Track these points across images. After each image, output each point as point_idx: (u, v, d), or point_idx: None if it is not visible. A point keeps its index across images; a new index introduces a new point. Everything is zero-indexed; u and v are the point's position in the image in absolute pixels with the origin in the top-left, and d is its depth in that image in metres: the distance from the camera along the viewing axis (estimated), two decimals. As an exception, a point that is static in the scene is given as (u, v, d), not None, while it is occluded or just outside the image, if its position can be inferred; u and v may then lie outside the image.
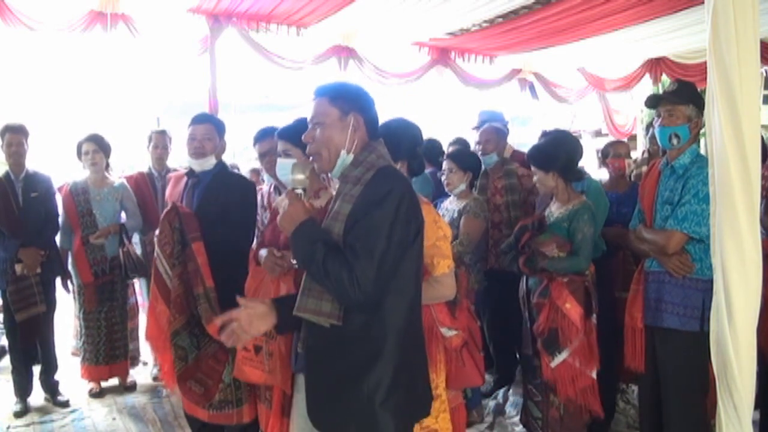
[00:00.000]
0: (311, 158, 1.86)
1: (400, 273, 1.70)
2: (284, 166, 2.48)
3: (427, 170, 4.21)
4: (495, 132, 4.04)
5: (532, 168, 3.12)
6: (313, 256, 1.67)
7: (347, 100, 1.81)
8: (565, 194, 3.03)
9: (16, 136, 3.83)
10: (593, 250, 3.32)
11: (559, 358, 2.86)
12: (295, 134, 2.46)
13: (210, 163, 3.01)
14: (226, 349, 2.74)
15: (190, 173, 3.05)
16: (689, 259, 2.58)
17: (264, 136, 3.06)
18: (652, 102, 2.80)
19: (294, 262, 1.83)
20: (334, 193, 1.96)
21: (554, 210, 3.07)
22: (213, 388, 2.80)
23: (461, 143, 4.78)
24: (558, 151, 3.01)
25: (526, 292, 3.15)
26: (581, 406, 2.92)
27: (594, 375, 2.91)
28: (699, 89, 2.72)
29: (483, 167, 3.93)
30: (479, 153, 3.98)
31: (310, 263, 1.69)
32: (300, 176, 1.86)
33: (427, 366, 1.92)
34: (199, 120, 3.05)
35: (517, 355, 3.86)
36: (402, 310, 1.73)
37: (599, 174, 4.83)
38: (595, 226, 2.98)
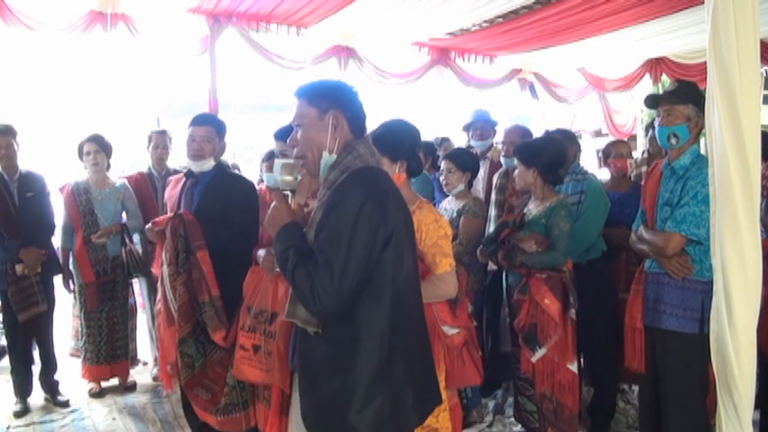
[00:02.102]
0: (300, 162, 1.82)
1: (373, 281, 1.64)
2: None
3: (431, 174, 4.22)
4: (522, 134, 3.99)
5: (516, 161, 3.16)
6: (286, 263, 1.66)
7: (324, 98, 1.76)
8: (542, 192, 3.09)
9: (4, 138, 3.80)
10: (592, 250, 3.34)
11: (540, 353, 2.91)
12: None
13: (208, 165, 3.00)
14: (231, 354, 2.74)
15: (189, 174, 3.05)
16: (689, 261, 2.57)
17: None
18: (651, 102, 2.79)
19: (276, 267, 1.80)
20: None
21: (532, 208, 3.13)
22: (219, 393, 2.81)
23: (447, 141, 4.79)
24: (543, 151, 3.08)
25: (506, 289, 3.19)
26: (561, 403, 2.96)
27: (574, 369, 2.95)
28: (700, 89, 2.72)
29: (504, 167, 3.92)
30: (502, 154, 3.94)
31: (284, 270, 1.68)
32: (288, 178, 1.83)
33: (430, 372, 1.87)
34: (198, 121, 3.03)
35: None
36: (377, 319, 1.66)
37: (600, 174, 4.83)
38: (571, 222, 3.04)
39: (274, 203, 1.76)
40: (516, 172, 3.17)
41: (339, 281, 1.57)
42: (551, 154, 3.06)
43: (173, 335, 2.80)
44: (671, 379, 2.65)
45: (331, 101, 1.76)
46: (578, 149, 3.67)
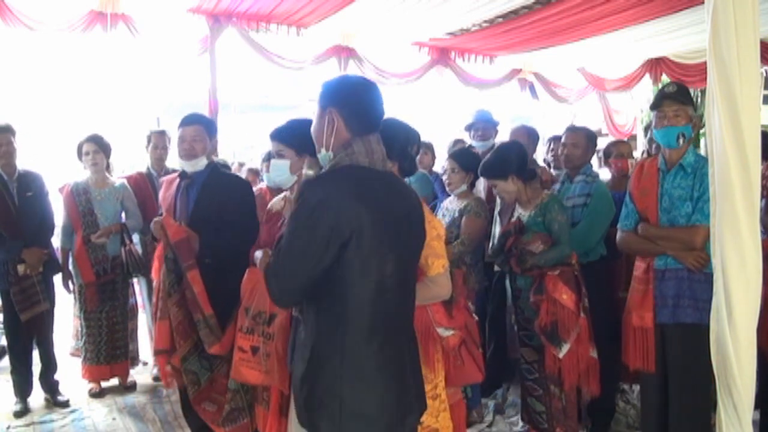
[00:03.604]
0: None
1: (332, 279, 1.63)
2: (278, 166, 2.48)
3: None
4: (526, 134, 3.99)
5: (489, 181, 3.22)
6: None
7: (325, 96, 1.78)
8: (526, 195, 3.15)
9: (5, 135, 3.78)
10: (590, 254, 3.35)
11: (566, 348, 2.92)
12: (287, 135, 2.46)
13: (201, 163, 2.99)
14: None
15: (183, 174, 3.04)
16: (707, 254, 2.59)
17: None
18: (657, 102, 2.81)
19: None
20: None
21: (523, 211, 3.17)
22: (224, 402, 2.79)
23: (461, 142, 4.79)
24: (508, 156, 3.15)
25: (512, 293, 3.19)
26: (579, 391, 3.01)
27: (595, 355, 2.99)
28: (699, 89, 2.75)
29: None
30: None
31: None
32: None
33: (414, 367, 1.84)
34: (187, 121, 3.02)
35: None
36: (342, 314, 1.65)
37: (600, 174, 4.82)
38: (566, 213, 3.11)
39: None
40: (496, 191, 3.20)
41: (287, 278, 1.66)
42: (516, 155, 3.15)
43: (161, 327, 2.86)
44: (687, 375, 2.66)
45: (329, 99, 1.77)
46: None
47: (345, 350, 1.65)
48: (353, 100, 1.77)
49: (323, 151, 1.76)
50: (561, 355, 2.92)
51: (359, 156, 1.73)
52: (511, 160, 3.11)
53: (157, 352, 2.96)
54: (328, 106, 1.75)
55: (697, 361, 2.60)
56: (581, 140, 3.53)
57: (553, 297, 2.92)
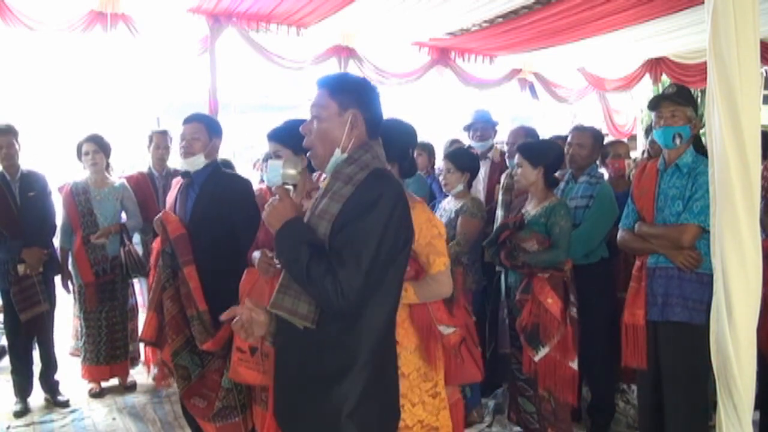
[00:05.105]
0: (307, 153, 1.78)
1: (384, 284, 1.63)
2: (276, 167, 2.47)
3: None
4: (525, 134, 4.00)
5: (518, 159, 3.18)
6: (297, 258, 1.58)
7: (347, 95, 1.72)
8: (542, 193, 3.15)
9: (6, 137, 3.79)
10: (591, 256, 3.35)
11: (543, 352, 2.93)
12: (285, 135, 2.45)
13: (199, 162, 2.96)
14: (228, 360, 2.75)
15: (185, 174, 3.03)
16: (699, 254, 2.62)
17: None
18: (655, 103, 2.82)
19: (277, 262, 1.75)
20: None
21: (530, 209, 3.17)
22: (215, 399, 2.81)
23: (457, 143, 4.79)
24: (549, 151, 3.18)
25: (505, 290, 3.19)
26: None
27: (575, 366, 2.97)
28: (699, 89, 2.77)
29: (510, 168, 3.93)
30: (507, 155, 3.97)
31: (294, 265, 1.60)
32: (291, 171, 1.81)
33: (398, 379, 1.86)
34: (188, 120, 3.02)
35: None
36: (380, 321, 1.66)
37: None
38: (571, 220, 3.10)
39: (275, 198, 1.71)
40: (518, 170, 3.18)
41: (365, 276, 1.54)
42: (555, 155, 3.17)
43: (149, 318, 2.90)
44: (679, 373, 2.67)
45: (353, 99, 1.72)
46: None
47: (384, 352, 1.70)
48: (374, 103, 1.77)
49: (338, 151, 1.70)
50: (536, 359, 2.93)
51: (382, 159, 1.75)
52: (549, 155, 3.15)
53: (141, 341, 3.05)
54: (349, 106, 1.71)
55: (687, 359, 2.64)
56: (587, 140, 3.53)
57: (538, 299, 2.93)
